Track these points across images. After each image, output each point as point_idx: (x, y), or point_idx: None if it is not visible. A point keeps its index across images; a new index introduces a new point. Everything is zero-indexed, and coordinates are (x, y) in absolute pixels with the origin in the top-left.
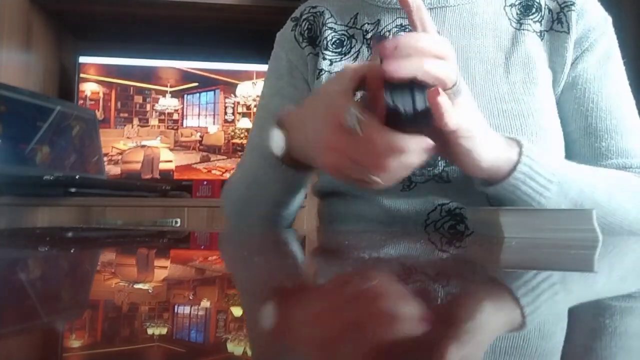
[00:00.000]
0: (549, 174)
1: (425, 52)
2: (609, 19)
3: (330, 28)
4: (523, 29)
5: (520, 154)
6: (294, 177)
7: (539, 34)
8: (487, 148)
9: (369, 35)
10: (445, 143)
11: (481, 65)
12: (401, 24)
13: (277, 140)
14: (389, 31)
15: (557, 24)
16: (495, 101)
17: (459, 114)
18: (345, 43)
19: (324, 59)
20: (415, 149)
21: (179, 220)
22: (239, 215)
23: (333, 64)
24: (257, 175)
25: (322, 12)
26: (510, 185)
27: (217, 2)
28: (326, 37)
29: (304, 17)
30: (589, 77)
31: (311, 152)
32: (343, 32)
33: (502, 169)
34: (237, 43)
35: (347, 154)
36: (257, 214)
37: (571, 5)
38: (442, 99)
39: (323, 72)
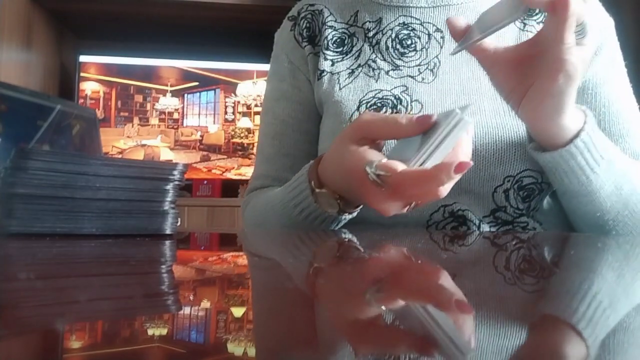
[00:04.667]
0: (602, 149)
1: None
2: (612, 22)
3: (331, 27)
4: (527, 30)
5: (585, 122)
6: (344, 219)
7: None
8: (570, 104)
9: (370, 34)
10: (539, 80)
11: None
12: (403, 22)
13: (330, 203)
14: (391, 29)
15: None
16: (502, 100)
17: (575, 47)
18: (346, 42)
19: (325, 59)
20: (451, 175)
21: (178, 219)
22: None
23: (335, 64)
24: (295, 221)
25: (321, 10)
26: (568, 153)
27: (217, 1)
28: (326, 37)
29: (302, 15)
30: (599, 81)
31: (360, 201)
32: (344, 30)
33: (568, 134)
34: (237, 42)
35: (393, 200)
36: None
37: None
38: (570, 18)
39: (325, 73)
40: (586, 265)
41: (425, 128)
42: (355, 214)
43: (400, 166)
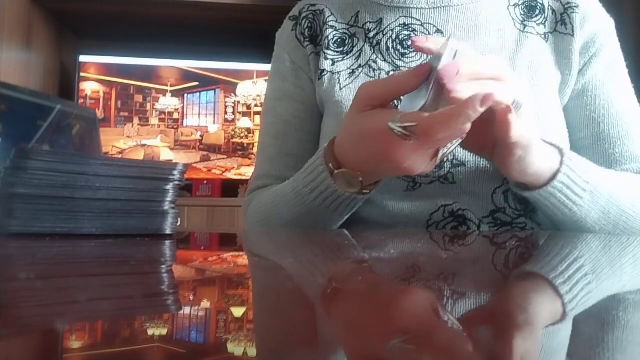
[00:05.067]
0: (584, 182)
1: (484, 76)
2: (612, 22)
3: (332, 27)
4: (527, 32)
5: (561, 163)
6: (361, 199)
7: (543, 36)
8: (537, 157)
9: (371, 35)
10: (498, 149)
11: None
12: (404, 23)
13: (350, 182)
14: (392, 30)
15: (561, 25)
16: None
17: (521, 126)
18: (347, 42)
19: (326, 58)
20: (477, 109)
21: (178, 219)
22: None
23: (335, 64)
24: (310, 207)
25: (322, 10)
26: (547, 193)
27: (217, 1)
28: (327, 36)
29: (303, 15)
30: (598, 83)
31: (386, 172)
32: (344, 30)
33: (544, 176)
34: (237, 42)
35: (420, 151)
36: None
37: (575, 7)
38: (511, 117)
39: (325, 72)
40: (585, 261)
41: (424, 75)
42: (372, 192)
43: (423, 114)
